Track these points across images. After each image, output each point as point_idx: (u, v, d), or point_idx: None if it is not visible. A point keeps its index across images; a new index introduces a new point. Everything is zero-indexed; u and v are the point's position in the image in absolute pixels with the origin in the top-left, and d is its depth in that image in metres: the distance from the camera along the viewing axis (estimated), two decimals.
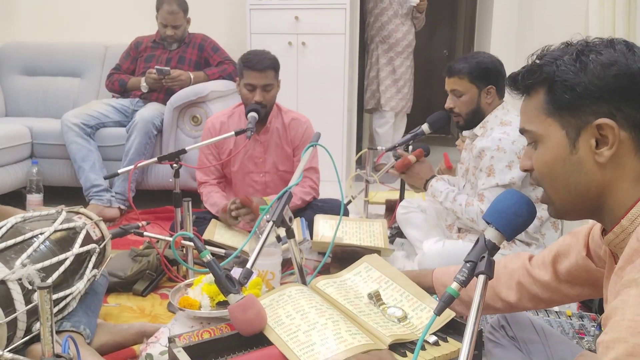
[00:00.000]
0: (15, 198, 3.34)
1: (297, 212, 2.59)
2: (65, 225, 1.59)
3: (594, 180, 0.87)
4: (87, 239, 1.62)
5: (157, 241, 2.12)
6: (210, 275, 1.40)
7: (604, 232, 0.93)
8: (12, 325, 1.35)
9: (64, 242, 1.56)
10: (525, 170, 0.97)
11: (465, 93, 2.13)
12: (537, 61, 0.91)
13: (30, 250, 1.46)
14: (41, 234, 1.52)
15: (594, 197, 0.88)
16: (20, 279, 1.37)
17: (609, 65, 0.84)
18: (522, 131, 0.95)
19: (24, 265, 1.40)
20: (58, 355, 1.13)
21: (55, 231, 1.55)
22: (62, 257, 1.51)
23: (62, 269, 1.49)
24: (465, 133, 2.27)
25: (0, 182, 3.18)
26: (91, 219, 1.70)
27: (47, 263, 1.46)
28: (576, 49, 0.88)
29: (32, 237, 1.50)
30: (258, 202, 2.44)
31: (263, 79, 2.46)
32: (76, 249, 1.56)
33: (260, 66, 2.44)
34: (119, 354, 1.67)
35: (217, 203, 2.55)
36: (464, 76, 2.11)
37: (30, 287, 1.39)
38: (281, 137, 2.65)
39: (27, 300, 1.38)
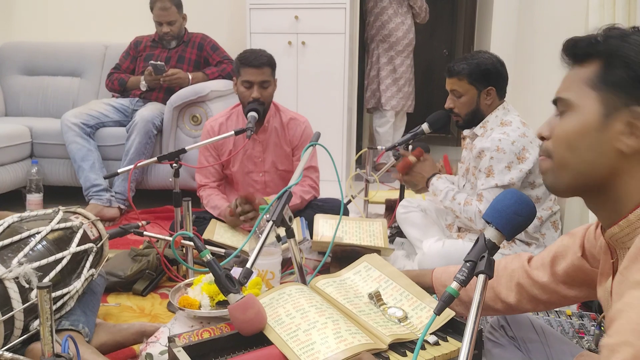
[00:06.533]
0: (15, 198, 3.34)
1: (297, 212, 2.59)
2: (62, 225, 1.59)
3: (608, 164, 0.85)
4: (84, 239, 1.62)
5: (157, 241, 2.12)
6: (210, 274, 1.40)
7: (602, 228, 0.92)
8: (9, 324, 1.35)
9: (61, 241, 1.56)
10: (540, 137, 0.95)
11: (465, 94, 2.13)
12: (603, 33, 0.89)
13: (27, 249, 1.46)
14: (38, 233, 1.51)
15: (598, 181, 0.87)
16: (17, 278, 1.37)
17: None
18: (556, 101, 0.93)
19: (20, 264, 1.40)
20: (58, 355, 1.13)
21: (52, 230, 1.55)
22: (58, 256, 1.51)
23: (58, 267, 1.49)
24: (465, 132, 2.27)
25: (0, 181, 3.18)
26: (88, 218, 1.70)
27: (43, 262, 1.46)
28: None
29: (28, 237, 1.50)
30: (259, 201, 2.44)
31: (260, 75, 2.47)
32: (73, 248, 1.56)
33: (257, 62, 2.46)
34: (119, 354, 1.67)
35: (219, 205, 2.55)
36: (463, 77, 2.11)
37: (27, 286, 1.39)
38: (280, 137, 2.65)
39: (24, 299, 1.38)
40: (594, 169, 0.86)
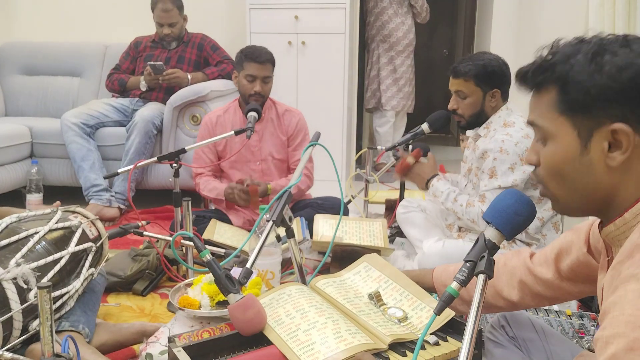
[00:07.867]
0: (15, 198, 3.34)
1: (297, 211, 2.60)
2: (61, 225, 1.58)
3: (603, 182, 0.85)
4: (83, 238, 1.62)
5: (157, 241, 2.12)
6: (210, 274, 1.40)
7: (600, 224, 0.92)
8: (7, 325, 1.35)
9: (60, 241, 1.56)
10: (530, 164, 0.95)
11: (470, 95, 2.11)
12: (549, 57, 0.88)
13: (24, 250, 1.45)
14: (36, 233, 1.51)
15: (600, 199, 0.87)
16: (15, 278, 1.37)
17: (625, 68, 0.81)
18: (531, 124, 0.93)
19: (18, 265, 1.40)
20: (58, 355, 1.13)
21: (51, 230, 1.55)
22: (57, 255, 1.50)
23: (57, 267, 1.49)
24: (468, 133, 2.26)
25: (0, 181, 3.18)
26: (87, 217, 1.69)
27: (42, 262, 1.46)
28: (591, 49, 0.85)
29: (27, 237, 1.50)
30: (263, 189, 2.53)
31: (263, 70, 2.60)
32: (72, 247, 1.55)
33: (261, 59, 2.60)
34: (119, 354, 1.67)
35: (217, 187, 2.63)
36: (469, 79, 2.08)
37: (25, 287, 1.39)
38: (275, 127, 2.75)
39: (23, 300, 1.37)
40: (591, 189, 0.87)
